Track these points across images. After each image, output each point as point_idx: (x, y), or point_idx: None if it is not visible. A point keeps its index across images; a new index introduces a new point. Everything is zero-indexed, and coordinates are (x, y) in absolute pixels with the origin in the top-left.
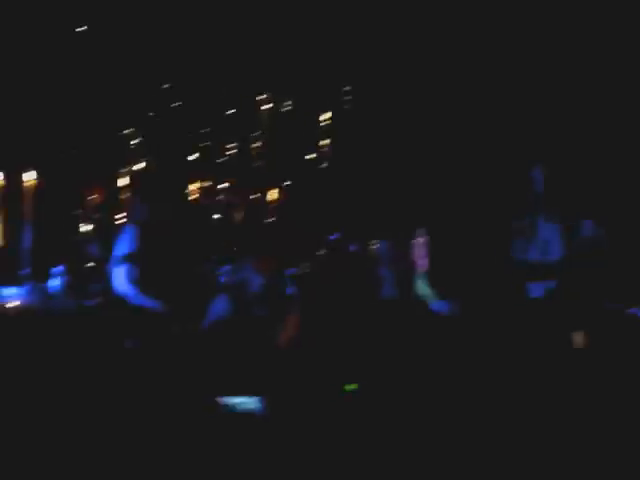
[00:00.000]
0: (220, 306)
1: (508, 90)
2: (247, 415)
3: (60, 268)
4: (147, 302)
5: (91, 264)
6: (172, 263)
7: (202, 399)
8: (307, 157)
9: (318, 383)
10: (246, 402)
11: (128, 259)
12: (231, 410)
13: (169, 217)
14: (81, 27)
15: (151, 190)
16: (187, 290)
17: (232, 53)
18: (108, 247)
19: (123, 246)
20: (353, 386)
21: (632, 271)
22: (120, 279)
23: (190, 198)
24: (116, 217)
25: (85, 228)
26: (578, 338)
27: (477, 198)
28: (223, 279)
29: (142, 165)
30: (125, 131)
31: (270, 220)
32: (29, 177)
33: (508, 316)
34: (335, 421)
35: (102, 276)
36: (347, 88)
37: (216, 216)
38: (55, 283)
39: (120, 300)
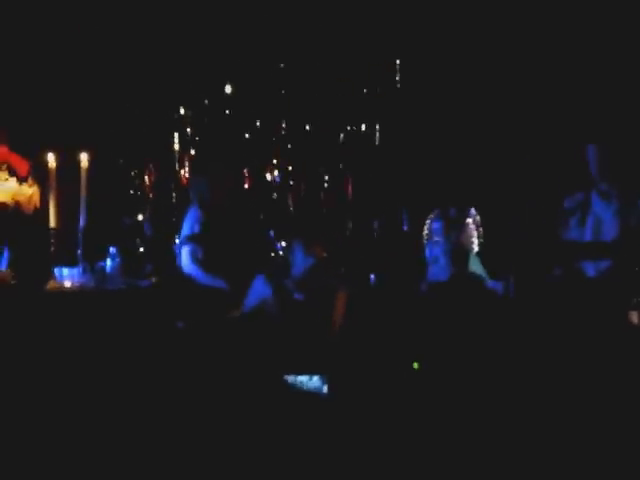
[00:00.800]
0: (260, 288)
1: (562, 66)
2: (311, 393)
3: (114, 249)
4: (213, 282)
5: (145, 244)
6: (235, 243)
7: (265, 377)
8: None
9: (379, 362)
10: (310, 381)
11: (192, 239)
12: (295, 388)
13: (230, 197)
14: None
15: (211, 170)
16: (251, 270)
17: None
18: (162, 228)
19: (187, 226)
20: (415, 365)
21: None
22: (186, 260)
23: (247, 179)
24: (172, 197)
25: (139, 209)
26: (633, 318)
27: (529, 176)
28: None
29: (200, 145)
30: (181, 111)
31: (324, 203)
32: (83, 157)
33: (561, 296)
34: (398, 401)
35: (156, 257)
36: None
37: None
38: (109, 263)
39: (180, 280)
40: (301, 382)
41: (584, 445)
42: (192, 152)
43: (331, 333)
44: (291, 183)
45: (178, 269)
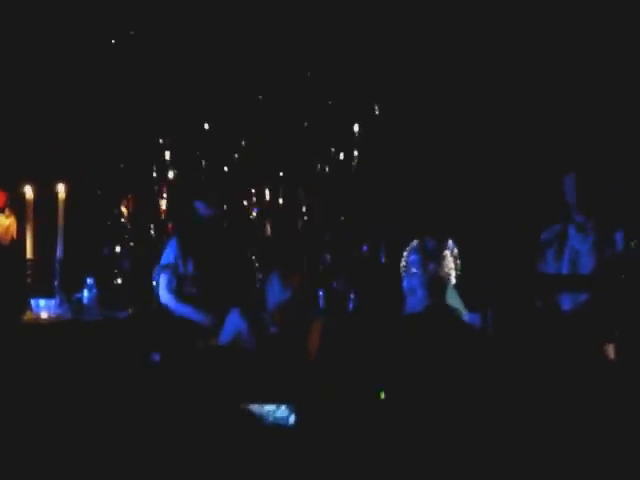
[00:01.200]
0: (235, 321)
1: (539, 94)
2: (277, 424)
3: (91, 280)
4: (186, 312)
5: (123, 276)
6: (215, 274)
7: (230, 408)
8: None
9: (347, 391)
10: (276, 410)
11: (169, 269)
12: (261, 419)
13: (212, 225)
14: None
15: (192, 198)
16: (229, 302)
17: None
18: (140, 259)
19: (166, 256)
20: (381, 394)
21: None
22: (161, 288)
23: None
24: (150, 227)
25: (117, 240)
26: (610, 351)
27: (506, 208)
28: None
29: (177, 174)
30: (159, 139)
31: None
32: (60, 188)
33: (538, 328)
34: (366, 430)
35: (134, 288)
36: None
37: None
38: (86, 295)
39: (157, 311)
40: (267, 412)
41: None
42: (170, 182)
43: (306, 364)
44: (267, 214)
45: (156, 298)
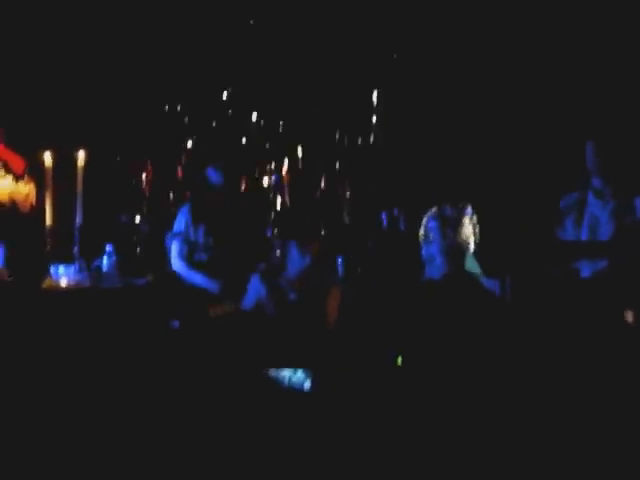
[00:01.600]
0: (256, 287)
1: (561, 61)
2: (293, 388)
3: (111, 247)
4: (197, 279)
5: (141, 243)
6: (225, 241)
7: (248, 372)
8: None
9: (365, 357)
10: (292, 375)
11: (180, 236)
12: (277, 383)
13: (223, 196)
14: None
15: (205, 168)
16: (239, 269)
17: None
18: (159, 226)
19: (178, 223)
20: (399, 360)
21: None
22: (173, 256)
23: (242, 178)
24: (168, 194)
25: (136, 206)
26: (629, 317)
27: (525, 174)
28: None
29: (194, 141)
30: (177, 107)
31: (319, 202)
32: (79, 155)
33: (557, 295)
34: (383, 397)
35: (152, 255)
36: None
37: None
38: (106, 262)
39: (174, 278)
40: (284, 376)
41: (581, 444)
42: (189, 149)
43: (325, 330)
44: (286, 183)
45: (168, 264)
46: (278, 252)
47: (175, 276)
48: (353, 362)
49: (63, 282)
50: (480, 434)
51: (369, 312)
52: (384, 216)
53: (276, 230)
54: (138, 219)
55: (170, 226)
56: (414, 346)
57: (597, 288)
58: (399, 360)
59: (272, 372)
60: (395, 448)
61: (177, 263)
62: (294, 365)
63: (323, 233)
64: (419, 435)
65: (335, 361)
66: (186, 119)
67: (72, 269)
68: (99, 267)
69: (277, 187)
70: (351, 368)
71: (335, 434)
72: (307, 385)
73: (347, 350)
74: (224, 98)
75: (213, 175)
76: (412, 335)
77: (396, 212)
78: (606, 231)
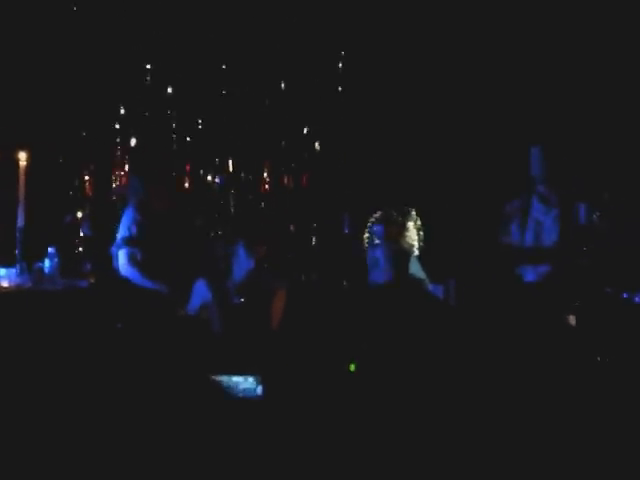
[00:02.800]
0: (201, 292)
1: (503, 70)
2: (245, 395)
3: (53, 249)
4: (151, 284)
5: (84, 244)
6: (174, 244)
7: (198, 379)
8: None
9: (314, 364)
10: (244, 382)
11: (130, 241)
12: (229, 390)
13: (170, 198)
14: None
15: (151, 169)
16: (189, 272)
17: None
18: (101, 227)
19: (124, 228)
20: (352, 366)
21: (627, 257)
22: (123, 262)
23: (189, 179)
24: (111, 197)
25: (79, 208)
26: (571, 322)
27: (470, 179)
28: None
29: (139, 143)
30: (121, 109)
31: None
32: (21, 156)
33: (501, 299)
34: (334, 403)
35: (95, 257)
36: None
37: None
38: (47, 264)
39: (121, 282)
40: (235, 383)
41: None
42: (131, 151)
43: (269, 332)
44: (233, 185)
45: (115, 271)
46: (224, 255)
47: (119, 279)
48: (302, 367)
49: (4, 284)
50: (428, 436)
51: (315, 315)
52: (329, 220)
53: (222, 232)
54: (80, 220)
55: (113, 229)
56: (361, 350)
57: (540, 292)
58: (352, 367)
59: (222, 379)
60: (349, 452)
61: (129, 269)
62: (243, 371)
63: (271, 235)
64: (373, 438)
65: (284, 366)
66: (123, 118)
67: (13, 271)
68: (41, 269)
69: (222, 188)
70: (301, 373)
71: (289, 440)
72: (259, 391)
73: (295, 355)
74: (168, 96)
75: (136, 184)
76: (359, 339)
77: (342, 216)
78: (550, 236)
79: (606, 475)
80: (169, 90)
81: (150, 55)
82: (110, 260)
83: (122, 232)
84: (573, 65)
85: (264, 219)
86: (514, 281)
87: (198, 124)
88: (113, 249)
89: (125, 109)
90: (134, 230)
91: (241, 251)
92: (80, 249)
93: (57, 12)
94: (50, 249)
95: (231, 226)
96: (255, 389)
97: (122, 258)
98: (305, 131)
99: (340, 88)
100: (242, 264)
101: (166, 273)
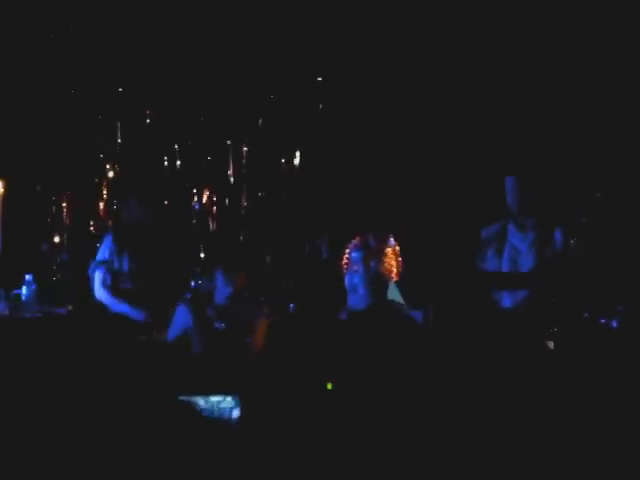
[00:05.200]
0: (182, 316)
1: (478, 93)
2: (222, 416)
3: (30, 276)
4: (121, 308)
5: (61, 271)
6: (150, 270)
7: (173, 401)
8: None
9: (293, 383)
10: (221, 402)
11: (104, 265)
12: (206, 411)
13: (147, 222)
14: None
15: (127, 195)
16: (165, 298)
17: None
18: (79, 254)
19: (101, 252)
20: (329, 386)
21: (603, 282)
22: (96, 285)
23: (167, 203)
24: (89, 223)
25: (56, 235)
26: (549, 347)
27: (446, 205)
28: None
29: (116, 170)
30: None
31: (245, 231)
32: None
33: (478, 324)
34: (314, 421)
35: (73, 283)
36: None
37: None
38: (25, 291)
39: (96, 307)
40: (212, 404)
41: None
42: (110, 177)
43: (250, 359)
44: (211, 209)
45: (90, 294)
46: (204, 280)
47: (97, 305)
48: (280, 389)
49: None
50: (407, 461)
51: (294, 341)
52: (307, 245)
53: (202, 258)
54: (58, 248)
55: (92, 255)
56: (340, 376)
57: (517, 319)
58: (329, 385)
59: (198, 400)
60: (328, 474)
61: (101, 292)
62: (219, 392)
63: (248, 263)
64: (352, 461)
65: (262, 388)
66: (102, 146)
67: None
68: (18, 296)
69: (199, 214)
70: (278, 394)
71: (267, 461)
72: (235, 412)
73: (274, 377)
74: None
75: (134, 208)
76: (337, 367)
77: (319, 241)
78: (526, 262)
79: None
80: (147, 113)
81: (124, 79)
82: (88, 287)
83: (99, 255)
84: (550, 94)
85: (241, 246)
86: (491, 306)
87: (175, 149)
88: (89, 271)
89: (103, 136)
90: (108, 255)
91: (219, 278)
92: (58, 276)
93: (34, 40)
94: (27, 276)
95: (209, 252)
96: (232, 409)
97: (96, 281)
98: (283, 158)
99: (320, 111)
100: (221, 291)
101: (141, 298)
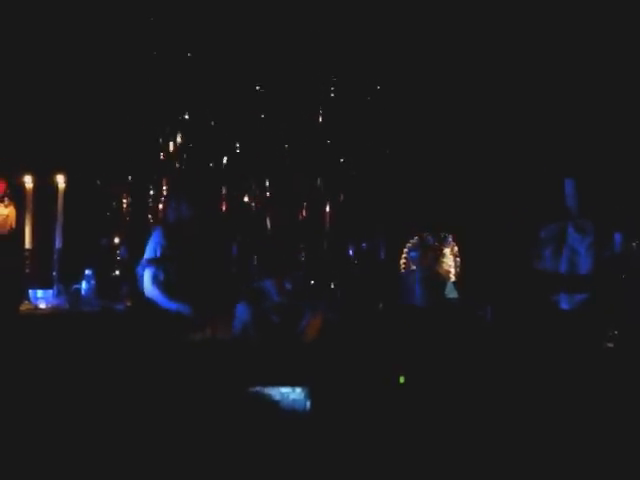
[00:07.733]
0: (243, 313)
1: (541, 94)
2: (293, 406)
3: (90, 271)
4: (173, 305)
5: (121, 267)
6: (200, 267)
7: (245, 392)
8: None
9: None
10: (291, 393)
11: (155, 262)
12: (275, 401)
13: (198, 220)
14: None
15: (181, 193)
16: (214, 295)
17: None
18: (138, 250)
19: (150, 249)
20: (402, 379)
21: None
22: (147, 282)
23: (219, 203)
24: (147, 220)
25: (116, 231)
26: (608, 349)
27: (505, 205)
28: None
29: (173, 168)
30: (155, 134)
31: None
32: (60, 179)
33: (536, 326)
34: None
35: (131, 279)
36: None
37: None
38: (84, 286)
39: (148, 304)
40: (283, 395)
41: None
42: (168, 175)
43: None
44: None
45: (141, 291)
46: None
47: (147, 302)
48: (349, 381)
49: (41, 306)
50: (473, 450)
51: (352, 336)
52: (364, 246)
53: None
54: (117, 242)
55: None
56: (404, 368)
57: (577, 321)
58: (402, 379)
59: (271, 391)
60: (396, 465)
61: (152, 289)
62: (290, 384)
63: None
64: (421, 453)
65: (332, 379)
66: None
67: (51, 293)
68: (78, 291)
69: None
70: (348, 387)
71: (338, 452)
72: (308, 403)
73: (342, 369)
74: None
75: (183, 207)
76: (401, 358)
77: (376, 241)
78: (585, 263)
79: None
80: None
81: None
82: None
83: (147, 253)
84: (608, 96)
85: (297, 245)
86: (550, 308)
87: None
88: (139, 269)
89: (164, 134)
90: (159, 251)
91: (270, 288)
92: (117, 272)
93: (99, 42)
94: (87, 271)
95: (264, 257)
96: (304, 400)
97: (147, 279)
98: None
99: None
100: (274, 295)
101: (191, 295)
